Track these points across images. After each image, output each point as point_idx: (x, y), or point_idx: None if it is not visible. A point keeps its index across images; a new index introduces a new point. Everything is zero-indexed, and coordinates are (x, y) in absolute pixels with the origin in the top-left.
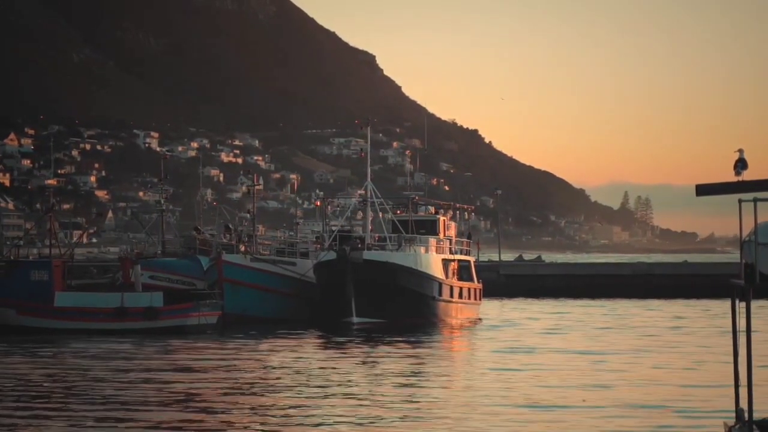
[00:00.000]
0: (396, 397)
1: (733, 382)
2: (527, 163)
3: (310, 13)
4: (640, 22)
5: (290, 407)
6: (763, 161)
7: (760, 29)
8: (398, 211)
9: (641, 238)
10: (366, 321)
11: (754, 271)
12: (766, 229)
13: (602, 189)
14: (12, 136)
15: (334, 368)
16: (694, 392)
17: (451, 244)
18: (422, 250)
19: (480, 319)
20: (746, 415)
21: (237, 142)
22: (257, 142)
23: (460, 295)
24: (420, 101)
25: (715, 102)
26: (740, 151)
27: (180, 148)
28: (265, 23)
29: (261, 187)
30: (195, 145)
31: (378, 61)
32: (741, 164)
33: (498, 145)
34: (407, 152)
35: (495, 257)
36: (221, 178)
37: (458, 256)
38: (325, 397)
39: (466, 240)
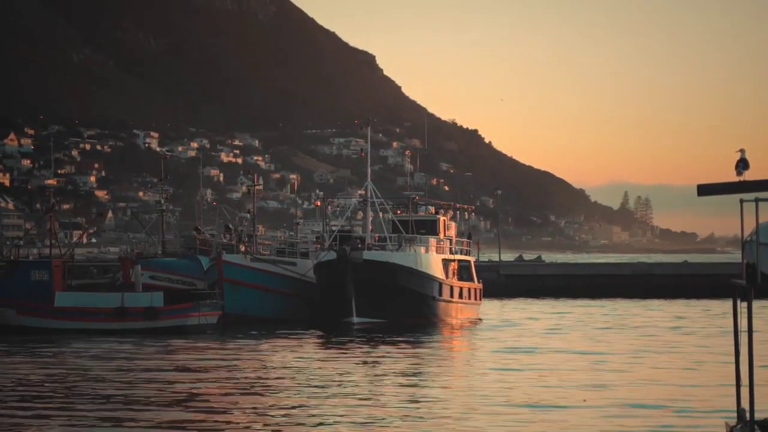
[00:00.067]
0: (396, 397)
1: (734, 382)
2: (527, 163)
3: (310, 13)
4: (640, 22)
5: (290, 407)
6: (763, 161)
7: (760, 29)
8: (398, 211)
9: (641, 239)
10: (366, 321)
11: (756, 271)
12: None
13: (602, 189)
14: (12, 136)
15: (334, 368)
16: (694, 392)
17: (451, 244)
18: (422, 250)
19: (480, 319)
20: (748, 415)
21: (237, 142)
22: (257, 142)
23: (461, 295)
24: (420, 101)
25: (715, 102)
26: (742, 151)
27: (180, 148)
28: (265, 23)
29: (261, 187)
30: (195, 145)
31: (378, 61)
32: (742, 164)
33: (498, 145)
34: (407, 152)
35: (495, 257)
36: (221, 178)
37: (458, 256)
38: (325, 397)
39: (466, 240)
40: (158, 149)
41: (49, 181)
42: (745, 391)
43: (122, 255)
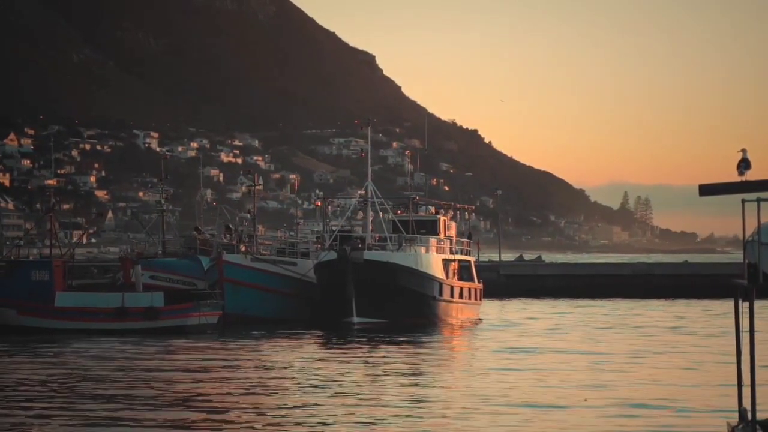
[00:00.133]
0: (396, 397)
1: (735, 382)
2: (527, 163)
3: (310, 13)
4: (640, 22)
5: (290, 407)
6: (764, 161)
7: (760, 29)
8: (399, 211)
9: (641, 239)
10: (366, 321)
11: (757, 271)
12: None
13: (602, 189)
14: (12, 136)
15: (335, 368)
16: (695, 392)
17: (451, 244)
18: (423, 250)
19: (480, 319)
20: (749, 414)
21: (237, 142)
22: (257, 142)
23: (461, 295)
24: (420, 101)
25: (715, 102)
26: (743, 151)
27: (180, 148)
28: (265, 23)
29: (261, 187)
30: (195, 145)
31: (378, 61)
32: (744, 164)
33: (498, 145)
34: (407, 152)
35: (495, 257)
36: (221, 178)
37: (459, 256)
38: (326, 397)
39: (466, 240)
40: (158, 149)
41: (49, 181)
42: (746, 391)
43: (123, 255)
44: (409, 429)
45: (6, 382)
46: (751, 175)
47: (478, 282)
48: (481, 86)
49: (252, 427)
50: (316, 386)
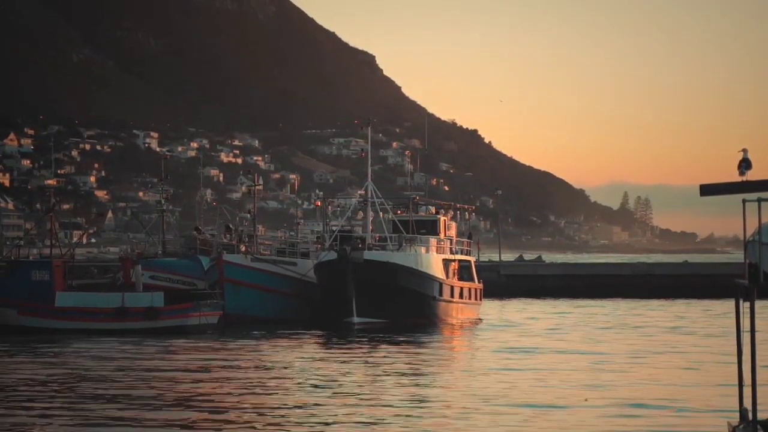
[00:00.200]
0: (397, 397)
1: (736, 382)
2: (527, 163)
3: (310, 13)
4: (640, 22)
5: (291, 407)
6: (765, 161)
7: (760, 29)
8: (399, 211)
9: (641, 239)
10: (367, 321)
11: (758, 271)
12: None
13: (602, 189)
14: (12, 136)
15: (335, 368)
16: (696, 392)
17: (451, 244)
18: (423, 250)
19: (480, 319)
20: (750, 414)
21: (237, 143)
22: (257, 142)
23: (461, 295)
24: (420, 101)
25: (715, 102)
26: (744, 150)
27: (180, 149)
28: (265, 23)
29: (261, 187)
30: (195, 145)
31: (378, 61)
32: (745, 164)
33: (498, 145)
34: (407, 152)
35: (495, 257)
36: (221, 178)
37: (459, 256)
38: (326, 397)
39: (466, 240)
40: (158, 149)
41: (49, 181)
42: (747, 391)
43: (123, 255)
44: (409, 429)
45: (7, 382)
46: (751, 175)
47: (479, 282)
48: (481, 86)
49: (252, 427)
50: (316, 386)
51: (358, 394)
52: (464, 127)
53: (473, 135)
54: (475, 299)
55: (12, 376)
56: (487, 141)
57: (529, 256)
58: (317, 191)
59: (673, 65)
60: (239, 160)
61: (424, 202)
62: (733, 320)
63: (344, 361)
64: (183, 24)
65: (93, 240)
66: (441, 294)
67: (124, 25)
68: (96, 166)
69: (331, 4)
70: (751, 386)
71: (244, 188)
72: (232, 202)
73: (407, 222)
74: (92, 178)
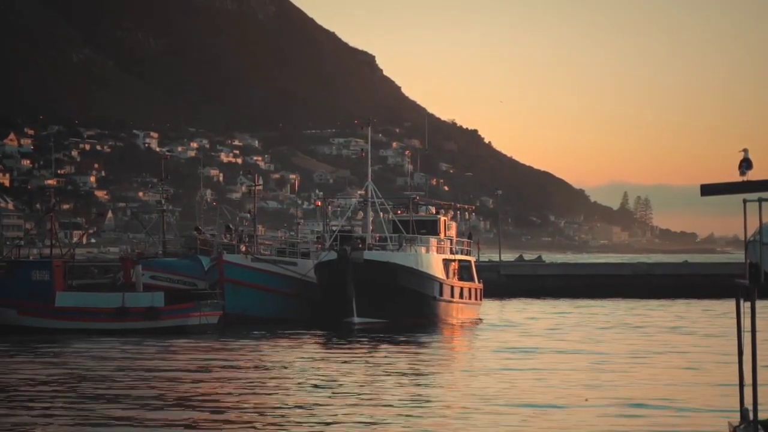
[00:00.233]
0: (397, 397)
1: (736, 382)
2: (527, 163)
3: (310, 13)
4: (640, 22)
5: (291, 407)
6: (765, 161)
7: (760, 29)
8: (399, 211)
9: (641, 239)
10: (367, 321)
11: (759, 271)
12: None
13: (602, 189)
14: (12, 136)
15: (335, 368)
16: (696, 392)
17: (451, 244)
18: (423, 250)
19: (480, 319)
20: (751, 414)
21: (237, 143)
22: (257, 142)
23: (461, 295)
24: (420, 101)
25: (715, 102)
26: (745, 150)
27: (180, 149)
28: (265, 23)
29: (261, 187)
30: (195, 145)
31: (378, 61)
32: (746, 164)
33: (498, 146)
34: (407, 152)
35: (495, 257)
36: (221, 179)
37: (459, 256)
38: (326, 397)
39: (466, 240)
40: (158, 149)
41: (49, 181)
42: (748, 391)
43: (123, 255)
44: (409, 429)
45: (7, 381)
46: (752, 175)
47: (479, 282)
48: (481, 86)
49: (252, 427)
50: (316, 386)
51: (358, 394)
52: (464, 127)
53: (473, 135)
54: (475, 299)
55: (12, 376)
56: (487, 141)
57: (529, 256)
58: (317, 191)
59: (673, 65)
60: (239, 160)
61: (424, 202)
62: (734, 320)
63: (344, 361)
64: (183, 24)
65: (93, 240)
66: (441, 294)
67: (124, 25)
68: (96, 166)
69: (331, 4)
70: (752, 386)
71: (244, 188)
72: (232, 202)
73: (407, 222)
74: (92, 178)
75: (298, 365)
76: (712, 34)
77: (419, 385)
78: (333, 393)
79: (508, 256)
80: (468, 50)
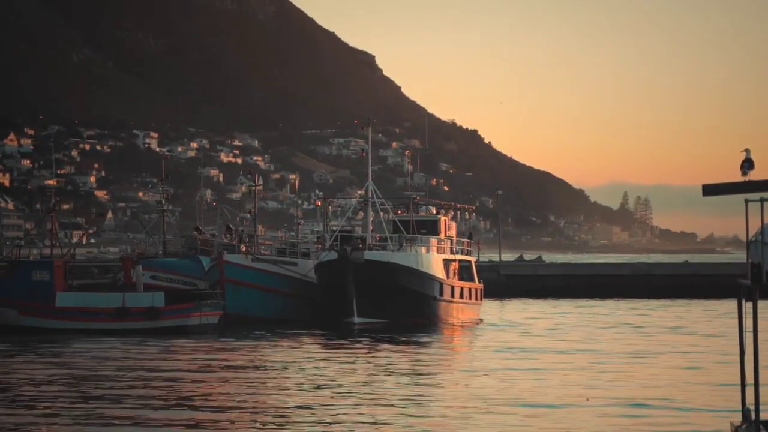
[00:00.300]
0: (397, 397)
1: (738, 382)
2: (527, 163)
3: (310, 14)
4: (640, 22)
5: (291, 407)
6: (765, 161)
7: (760, 29)
8: (399, 212)
9: (641, 239)
10: (367, 321)
11: (761, 271)
12: None
13: (602, 189)
14: (12, 136)
15: (335, 368)
16: (697, 392)
17: (452, 244)
18: (423, 250)
19: (481, 319)
20: (753, 414)
21: (237, 143)
22: (257, 142)
23: (461, 295)
24: (420, 101)
25: (715, 102)
26: (747, 150)
27: (180, 149)
28: (265, 23)
29: (261, 187)
30: (194, 145)
31: (378, 62)
32: (748, 164)
33: (498, 146)
34: (407, 152)
35: (495, 258)
36: (221, 179)
37: (459, 257)
38: (326, 397)
39: (466, 240)
40: (158, 149)
41: (49, 182)
42: (750, 391)
43: (123, 255)
44: (409, 429)
45: (8, 381)
46: (754, 175)
47: (479, 282)
48: (481, 86)
49: (252, 427)
50: (316, 386)
51: (359, 394)
52: (464, 127)
53: (473, 135)
54: (476, 299)
55: (13, 376)
56: (487, 141)
57: (529, 256)
58: (317, 191)
59: (673, 65)
60: (239, 160)
61: (424, 203)
62: (734, 320)
63: (344, 361)
64: (183, 24)
65: (92, 240)
66: (441, 294)
67: (124, 25)
68: (96, 166)
69: (331, 4)
70: (753, 386)
71: (244, 188)
72: (232, 202)
73: (407, 222)
74: (92, 178)
75: (298, 365)
76: (712, 34)
77: (419, 385)
78: (333, 393)
79: (508, 256)
80: (468, 50)
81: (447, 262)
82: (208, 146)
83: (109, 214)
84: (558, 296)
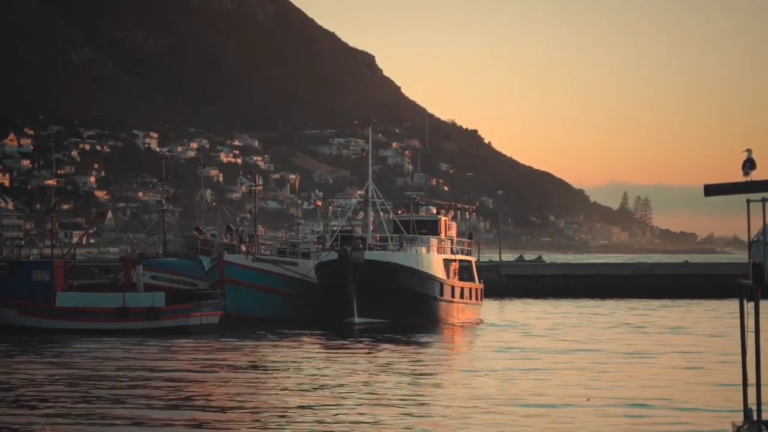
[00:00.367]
0: (397, 397)
1: (740, 382)
2: (527, 164)
3: (310, 14)
4: (640, 22)
5: (291, 407)
6: (766, 161)
7: (760, 29)
8: (399, 212)
9: (641, 239)
10: (367, 321)
11: (763, 271)
12: None
13: (601, 189)
14: (12, 136)
15: (335, 368)
16: (698, 392)
17: (452, 244)
18: (423, 250)
19: (481, 319)
20: (755, 414)
21: (236, 143)
22: (257, 142)
23: (462, 296)
24: (420, 101)
25: (715, 102)
26: (749, 151)
27: (180, 149)
28: (265, 23)
29: (261, 187)
30: (194, 145)
31: (378, 62)
32: (749, 164)
33: (497, 146)
34: (407, 152)
35: (495, 258)
36: (221, 179)
37: (459, 257)
38: (326, 397)
39: (467, 240)
40: (158, 149)
41: (49, 182)
42: (752, 391)
43: (124, 255)
44: (409, 429)
45: (9, 382)
46: (756, 176)
47: (479, 282)
48: (481, 86)
49: (252, 427)
50: (316, 386)
51: (359, 394)
52: (464, 127)
53: (473, 135)
54: (476, 299)
55: (14, 376)
56: (487, 141)
57: (529, 256)
58: (317, 191)
59: (673, 65)
60: (239, 161)
61: (424, 203)
62: (735, 320)
63: (345, 362)
64: (183, 24)
65: (93, 240)
66: (442, 294)
67: (124, 25)
68: (96, 166)
69: (331, 4)
70: (755, 386)
71: (244, 188)
72: (232, 203)
73: (408, 222)
74: (92, 179)
75: (298, 365)
76: (712, 34)
77: (419, 385)
78: (333, 393)
79: (508, 257)
80: (468, 50)
81: (447, 262)
82: (208, 146)
83: (109, 215)
84: (558, 296)
